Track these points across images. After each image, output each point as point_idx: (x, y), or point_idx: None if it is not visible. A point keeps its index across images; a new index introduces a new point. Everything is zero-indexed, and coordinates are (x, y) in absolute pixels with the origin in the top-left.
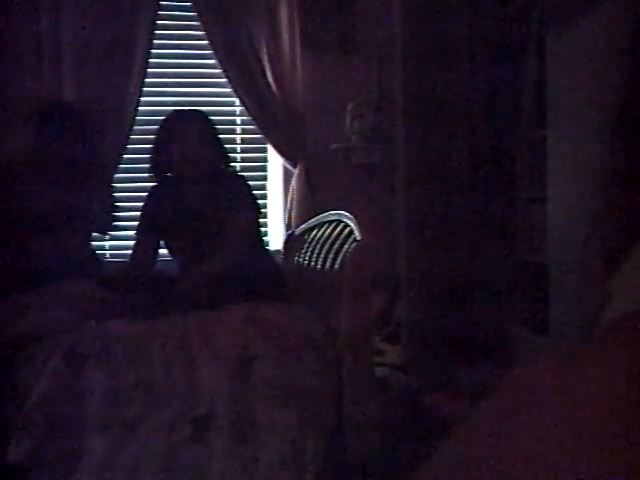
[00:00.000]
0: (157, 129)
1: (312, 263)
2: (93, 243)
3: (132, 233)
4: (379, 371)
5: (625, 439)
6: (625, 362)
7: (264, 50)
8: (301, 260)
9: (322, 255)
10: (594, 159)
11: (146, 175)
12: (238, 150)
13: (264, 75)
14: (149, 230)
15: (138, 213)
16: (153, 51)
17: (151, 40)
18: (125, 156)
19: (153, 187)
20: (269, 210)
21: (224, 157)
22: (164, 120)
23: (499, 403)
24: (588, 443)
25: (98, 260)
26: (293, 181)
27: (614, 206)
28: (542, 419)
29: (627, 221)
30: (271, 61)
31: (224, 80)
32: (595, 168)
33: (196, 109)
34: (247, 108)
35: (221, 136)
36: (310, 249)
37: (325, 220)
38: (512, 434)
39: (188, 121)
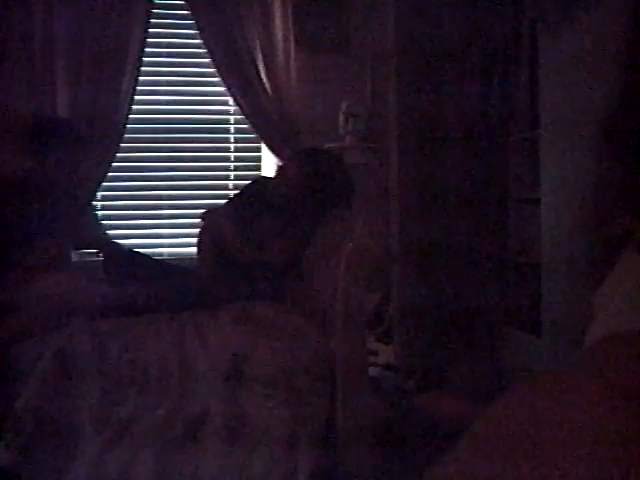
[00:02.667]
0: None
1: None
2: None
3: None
4: (372, 371)
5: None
6: (602, 387)
7: (258, 50)
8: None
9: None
10: (585, 166)
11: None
12: (232, 149)
13: (258, 74)
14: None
15: None
16: (147, 50)
17: (145, 39)
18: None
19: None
20: None
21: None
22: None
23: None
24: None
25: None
26: None
27: (601, 222)
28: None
29: (614, 236)
30: (265, 61)
31: (218, 79)
32: (583, 184)
33: (322, 151)
34: (241, 107)
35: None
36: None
37: None
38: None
39: (296, 161)
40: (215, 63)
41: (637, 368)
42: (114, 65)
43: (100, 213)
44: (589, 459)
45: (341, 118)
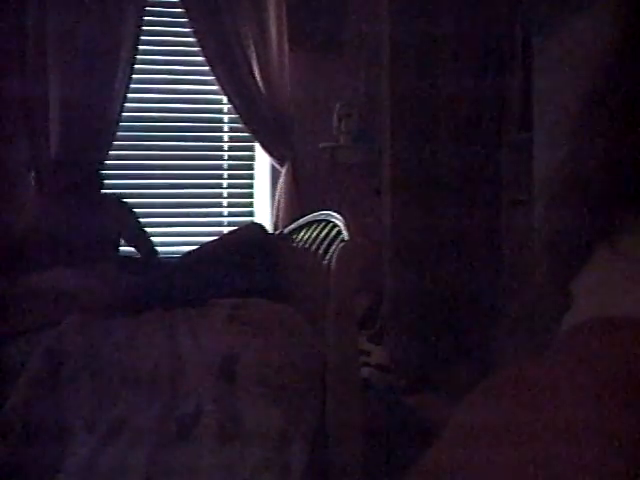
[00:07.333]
0: None
1: (300, 263)
2: None
3: None
4: (364, 371)
5: (587, 446)
6: (585, 370)
7: (252, 49)
8: (289, 260)
9: (310, 255)
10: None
11: None
12: (225, 149)
13: (252, 74)
14: None
15: None
16: (141, 47)
17: (138, 37)
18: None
19: None
20: (256, 210)
21: None
22: None
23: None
24: (551, 452)
25: None
26: (280, 180)
27: (575, 204)
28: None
29: (589, 219)
30: (259, 60)
31: (212, 78)
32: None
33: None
34: (235, 107)
35: None
36: (298, 249)
37: (313, 220)
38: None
39: None
40: (209, 62)
41: (620, 353)
42: (107, 63)
43: None
44: (572, 448)
45: (335, 118)
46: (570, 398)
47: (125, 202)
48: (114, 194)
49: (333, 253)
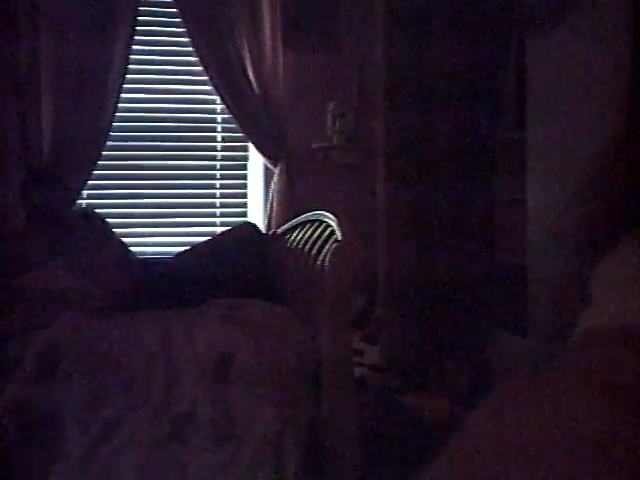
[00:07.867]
0: None
1: (293, 263)
2: None
3: None
4: (358, 371)
5: (597, 449)
6: (601, 379)
7: (246, 49)
8: (282, 260)
9: (303, 255)
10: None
11: None
12: (218, 149)
13: (245, 74)
14: None
15: None
16: (134, 48)
17: (132, 36)
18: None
19: None
20: (249, 210)
21: None
22: None
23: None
24: (562, 452)
25: None
26: (274, 180)
27: (597, 198)
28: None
29: (608, 216)
30: (253, 60)
31: (205, 79)
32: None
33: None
34: (228, 107)
35: None
36: (291, 249)
37: (306, 220)
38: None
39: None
40: (203, 63)
41: (623, 365)
42: (100, 65)
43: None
44: (578, 461)
45: (328, 118)
46: (575, 415)
47: (103, 219)
48: (90, 210)
49: (326, 253)
